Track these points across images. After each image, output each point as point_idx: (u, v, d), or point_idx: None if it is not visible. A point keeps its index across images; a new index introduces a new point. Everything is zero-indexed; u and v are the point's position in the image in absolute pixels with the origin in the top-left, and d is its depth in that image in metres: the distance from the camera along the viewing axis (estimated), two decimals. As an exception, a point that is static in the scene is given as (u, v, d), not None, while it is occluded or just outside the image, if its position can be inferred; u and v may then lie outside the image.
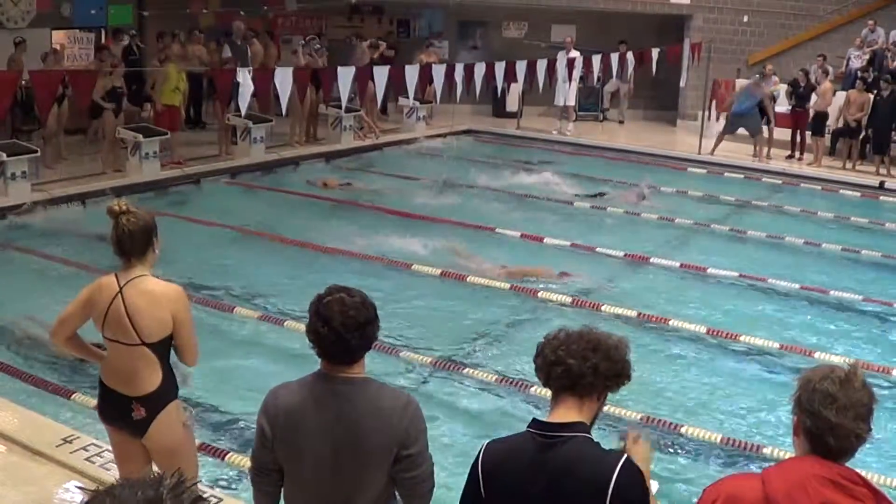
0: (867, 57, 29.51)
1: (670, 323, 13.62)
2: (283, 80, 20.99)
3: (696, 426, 10.65)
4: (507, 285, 14.84)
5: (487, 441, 4.68)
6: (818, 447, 4.13)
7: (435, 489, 5.32)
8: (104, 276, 6.81)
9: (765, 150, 26.87)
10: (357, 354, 5.16)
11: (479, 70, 24.65)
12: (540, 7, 31.02)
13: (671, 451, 10.25)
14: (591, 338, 4.61)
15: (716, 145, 27.02)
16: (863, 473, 4.14)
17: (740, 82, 29.25)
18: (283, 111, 22.11)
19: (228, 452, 9.23)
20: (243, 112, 21.65)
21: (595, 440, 4.53)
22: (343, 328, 5.04)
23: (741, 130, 26.83)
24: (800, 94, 26.93)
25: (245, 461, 8.74)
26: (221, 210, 19.11)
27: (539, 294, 14.60)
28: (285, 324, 12.73)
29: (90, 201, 18.81)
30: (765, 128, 26.97)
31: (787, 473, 4.14)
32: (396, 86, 23.93)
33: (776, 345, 13.05)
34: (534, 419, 4.60)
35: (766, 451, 9.94)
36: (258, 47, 26.54)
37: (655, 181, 23.12)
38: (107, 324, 6.71)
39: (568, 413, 4.54)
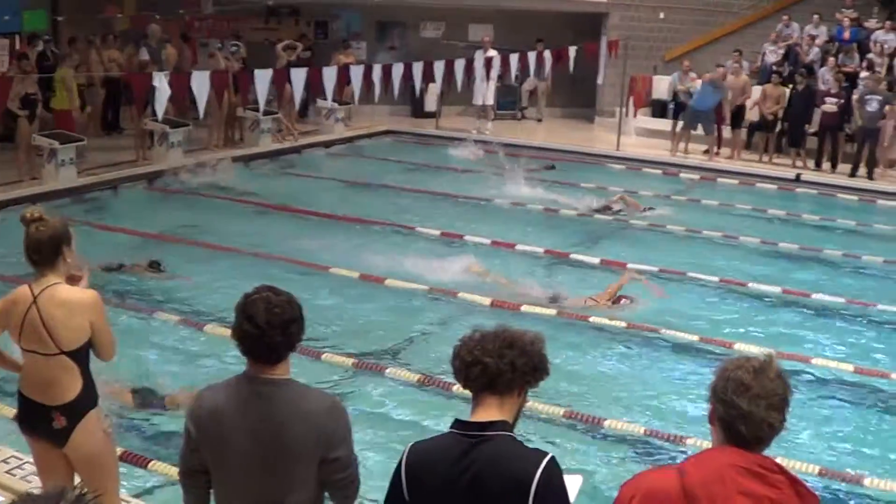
0: (782, 51, 29.82)
1: (590, 319, 13.70)
2: (200, 83, 20.83)
3: (618, 419, 10.72)
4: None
5: (411, 443, 4.68)
6: (732, 436, 4.16)
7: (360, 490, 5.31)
8: (19, 287, 6.72)
9: (713, 147, 27.15)
10: (281, 353, 5.10)
11: (397, 70, 24.60)
12: (457, 7, 31.06)
13: (593, 444, 10.31)
14: (506, 335, 4.63)
15: (675, 145, 27.26)
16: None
17: (658, 79, 29.52)
18: (201, 115, 21.94)
19: (152, 460, 9.13)
20: (160, 117, 21.44)
21: (518, 438, 4.55)
22: (267, 325, 5.00)
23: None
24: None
25: (168, 469, 8.70)
26: (138, 217, 18.94)
27: (458, 295, 14.62)
28: (205, 328, 12.65)
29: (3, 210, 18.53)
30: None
31: (704, 464, 4.17)
32: (314, 87, 23.84)
33: (696, 337, 13.19)
34: (456, 419, 4.60)
35: (690, 441, 10.02)
36: (172, 51, 26.34)
37: (575, 178, 23.26)
38: (23, 334, 6.60)
39: (489, 412, 4.55)
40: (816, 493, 4.19)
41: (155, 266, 15.22)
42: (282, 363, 5.15)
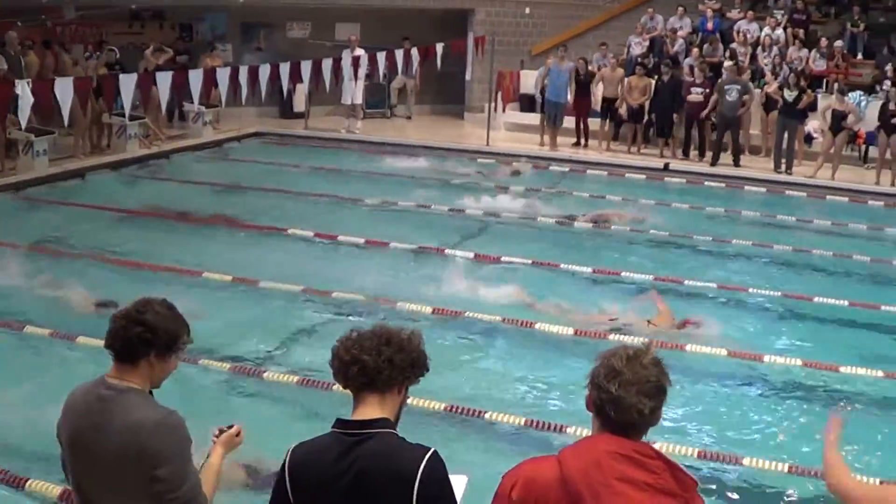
0: (647, 43, 30.23)
1: (466, 314, 13.74)
2: (64, 90, 20.48)
3: (500, 412, 10.76)
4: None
5: (293, 444, 4.66)
6: (605, 422, 4.24)
7: None
8: None
9: (556, 138, 27.38)
10: (135, 353, 4.99)
11: (264, 72, 24.46)
12: (323, 6, 30.91)
13: (477, 439, 10.34)
14: (383, 333, 4.65)
15: (553, 140, 27.42)
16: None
17: (525, 73, 29.72)
18: (66, 122, 21.56)
19: (28, 480, 8.95)
20: (23, 125, 21.06)
21: (400, 435, 4.57)
22: (125, 319, 4.98)
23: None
24: (581, 81, 27.42)
25: (47, 488, 8.59)
26: (5, 228, 18.54)
27: (333, 295, 14.56)
28: (77, 339, 12.42)
29: None
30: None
31: (582, 452, 4.22)
32: (180, 91, 23.58)
33: (571, 331, 13.29)
34: (337, 419, 4.61)
35: (570, 430, 10.08)
36: (33, 58, 25.83)
37: (445, 175, 23.34)
38: None
39: (370, 410, 4.57)
40: (695, 476, 4.25)
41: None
42: (137, 370, 5.02)
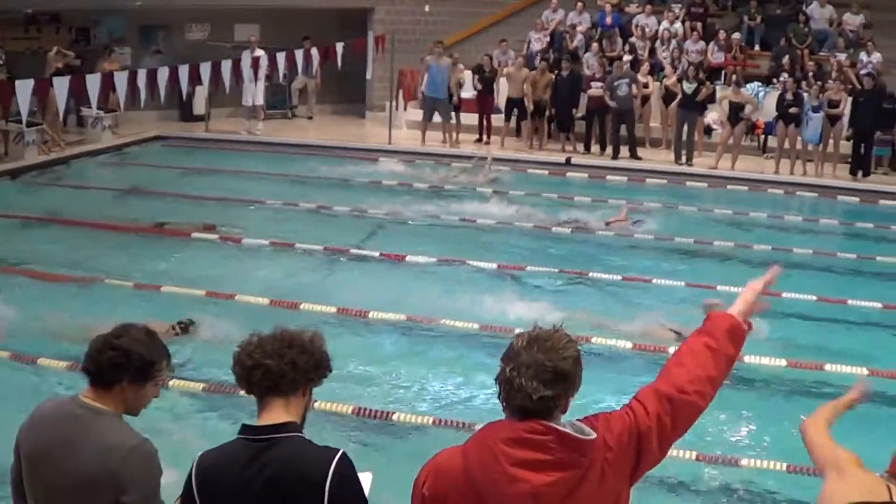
0: (547, 39, 30.35)
1: (370, 315, 13.71)
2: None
3: (408, 412, 10.77)
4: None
5: (200, 453, 4.62)
6: (505, 405, 4.19)
7: None
8: None
9: (454, 134, 27.40)
10: (108, 378, 4.94)
11: (163, 74, 24.19)
12: (221, 7, 30.65)
13: (392, 440, 10.36)
14: (285, 336, 4.64)
15: (422, 134, 27.46)
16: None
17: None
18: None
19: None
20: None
21: (307, 438, 4.56)
22: (101, 343, 4.96)
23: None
24: (485, 78, 27.51)
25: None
26: None
27: (236, 298, 14.46)
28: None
29: None
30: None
31: (480, 442, 4.20)
32: (78, 96, 23.27)
33: (476, 325, 13.36)
34: (244, 425, 4.59)
35: (479, 427, 10.07)
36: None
37: (347, 174, 23.28)
38: None
39: (276, 414, 4.55)
40: (590, 436, 4.14)
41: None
42: (111, 395, 4.97)
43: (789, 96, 25.45)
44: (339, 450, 4.53)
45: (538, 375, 4.08)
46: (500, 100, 27.95)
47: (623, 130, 26.60)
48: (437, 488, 4.24)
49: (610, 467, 4.21)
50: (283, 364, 4.53)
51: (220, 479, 4.50)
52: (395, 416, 10.69)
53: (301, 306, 13.90)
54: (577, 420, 4.23)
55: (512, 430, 4.11)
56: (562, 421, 4.17)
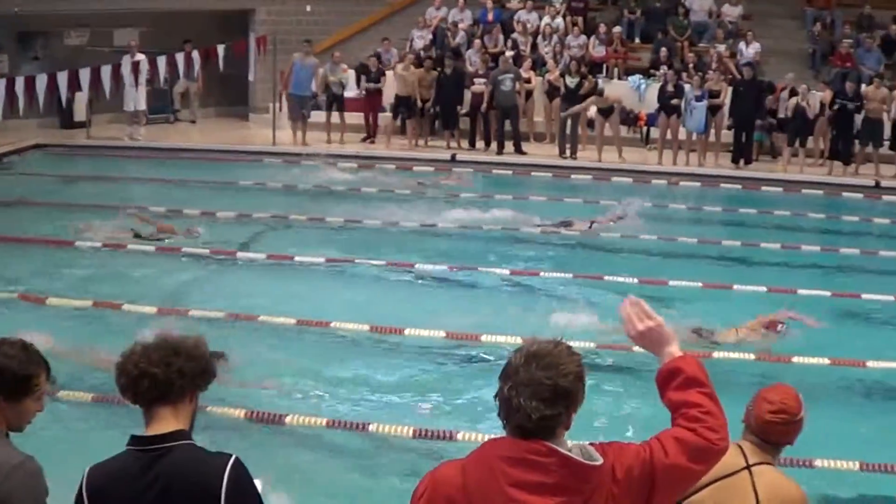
0: (429, 36, 30.39)
1: (259, 318, 13.61)
2: None
3: (303, 414, 10.73)
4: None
5: (88, 467, 4.53)
6: (504, 421, 4.05)
7: None
8: None
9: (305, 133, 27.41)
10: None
11: (42, 81, 23.85)
12: (100, 12, 30.19)
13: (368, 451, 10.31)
14: (169, 343, 4.56)
15: (295, 133, 27.34)
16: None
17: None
18: None
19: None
20: None
21: (198, 445, 4.50)
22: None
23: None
24: (371, 77, 27.49)
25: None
26: None
27: (123, 307, 14.27)
28: None
29: None
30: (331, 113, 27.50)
31: (480, 459, 4.07)
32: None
33: (366, 327, 13.32)
34: (132, 436, 4.50)
35: (460, 436, 10.06)
36: None
37: (232, 177, 23.10)
38: None
39: (165, 423, 4.48)
40: (596, 462, 4.00)
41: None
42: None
43: (670, 88, 25.82)
44: (231, 455, 4.48)
45: (537, 394, 3.94)
46: (385, 99, 27.94)
47: (507, 126, 26.71)
48: (434, 502, 4.12)
49: (614, 500, 4.04)
50: (170, 372, 4.46)
51: (113, 492, 4.42)
52: (287, 419, 10.60)
53: (190, 313, 13.76)
54: (589, 444, 4.09)
55: (514, 450, 3.98)
56: (569, 443, 4.03)
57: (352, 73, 28.37)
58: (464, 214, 20.08)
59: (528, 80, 27.64)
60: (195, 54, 27.69)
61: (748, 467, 5.32)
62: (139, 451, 4.44)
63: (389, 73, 27.99)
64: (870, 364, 12.59)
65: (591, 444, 4.11)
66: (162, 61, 26.76)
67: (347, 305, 14.46)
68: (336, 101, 27.76)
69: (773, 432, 5.39)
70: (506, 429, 4.05)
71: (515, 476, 3.93)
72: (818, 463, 9.52)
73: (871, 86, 25.94)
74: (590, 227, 19.30)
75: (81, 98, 27.63)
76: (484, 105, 26.76)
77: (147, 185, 22.79)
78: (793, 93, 25.79)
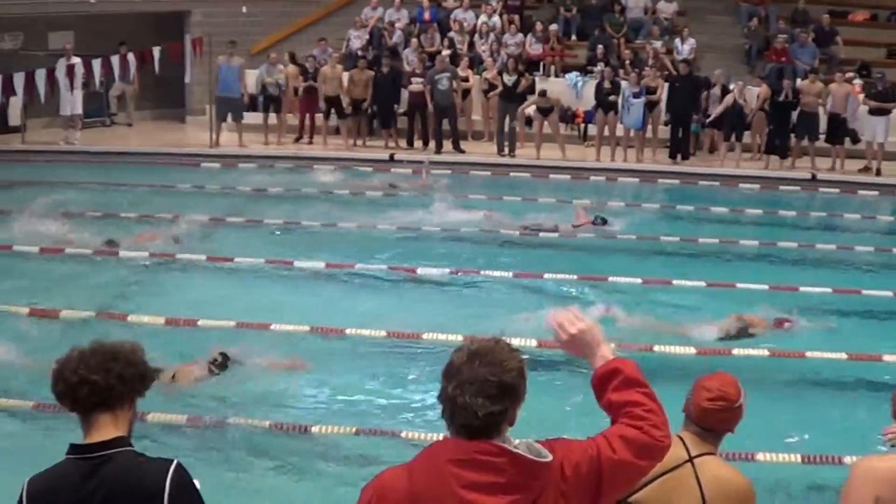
0: (366, 36, 30.36)
1: (199, 323, 13.50)
2: None
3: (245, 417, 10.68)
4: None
5: (28, 477, 4.48)
6: (450, 423, 4.05)
7: None
8: None
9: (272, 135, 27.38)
10: None
11: (-26, 86, 23.60)
12: (34, 15, 29.91)
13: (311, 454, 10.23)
14: (107, 349, 4.53)
15: (217, 136, 27.17)
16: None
17: (246, 73, 29.35)
18: None
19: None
20: None
21: (139, 451, 4.48)
22: None
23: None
24: (308, 77, 27.43)
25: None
26: None
27: (61, 314, 14.12)
28: None
29: None
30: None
31: (427, 462, 4.06)
32: None
33: (305, 327, 13.28)
34: (72, 445, 4.46)
35: (404, 434, 10.02)
36: None
37: (167, 180, 22.93)
38: None
39: (105, 430, 4.45)
40: (545, 459, 4.02)
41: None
42: None
43: (607, 85, 25.98)
44: (173, 459, 4.46)
45: (483, 391, 3.95)
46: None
47: (446, 125, 26.74)
48: None
49: (564, 497, 4.06)
50: (110, 378, 4.43)
51: (55, 502, 4.38)
52: (314, 429, 10.53)
53: (129, 318, 13.64)
54: (536, 441, 4.09)
55: (463, 451, 3.97)
56: (515, 441, 4.04)
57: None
58: (406, 214, 20.07)
59: (466, 79, 27.67)
60: (131, 57, 27.47)
61: (691, 460, 5.34)
62: (79, 459, 4.40)
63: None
64: (808, 354, 12.74)
65: (538, 441, 4.12)
66: (97, 64, 26.54)
67: (288, 306, 14.43)
68: (273, 103, 27.63)
69: (713, 420, 5.42)
70: (450, 429, 4.05)
71: (467, 477, 3.93)
72: (760, 457, 9.59)
73: (807, 80, 26.22)
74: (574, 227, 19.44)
75: (16, 103, 27.34)
76: (430, 105, 26.73)
77: (83, 190, 22.50)
78: (724, 90, 25.99)
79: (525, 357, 4.15)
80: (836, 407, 11.62)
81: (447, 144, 26.72)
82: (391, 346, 13.00)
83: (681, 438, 5.40)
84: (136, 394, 4.59)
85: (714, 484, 5.29)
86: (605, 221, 19.53)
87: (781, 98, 25.67)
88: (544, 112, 26.14)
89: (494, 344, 4.09)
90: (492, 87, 27.23)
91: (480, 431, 3.97)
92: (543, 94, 26.36)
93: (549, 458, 4.04)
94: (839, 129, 25.92)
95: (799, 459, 9.92)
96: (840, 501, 5.11)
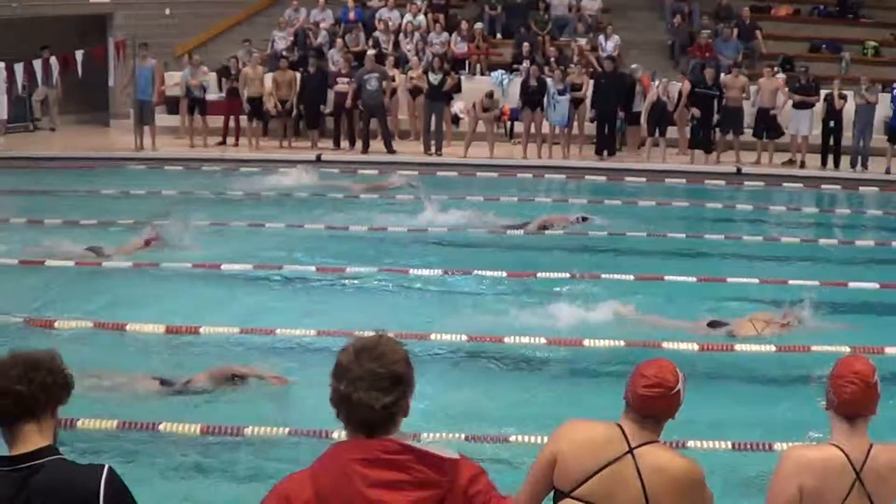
0: (291, 37, 30.27)
1: (127, 328, 13.28)
2: None
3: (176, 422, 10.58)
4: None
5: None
6: (347, 424, 4.06)
7: None
8: None
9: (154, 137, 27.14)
10: None
11: None
12: (-47, 19, 29.65)
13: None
14: (27, 358, 4.44)
15: (141, 139, 26.90)
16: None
17: (170, 75, 29.18)
18: None
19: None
20: None
21: (68, 458, 4.42)
22: None
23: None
24: (231, 80, 27.29)
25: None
26: None
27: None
28: None
29: None
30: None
31: (330, 464, 4.05)
32: None
33: (236, 329, 13.24)
34: (-1, 457, 4.40)
35: (336, 435, 9.93)
36: None
37: (94, 185, 22.71)
38: None
39: (32, 440, 4.38)
40: (452, 456, 4.07)
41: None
42: None
43: (533, 82, 26.06)
44: (104, 465, 4.41)
45: (375, 384, 4.00)
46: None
47: (373, 124, 26.73)
48: None
49: (467, 498, 4.13)
50: (33, 388, 4.35)
51: (-17, 516, 4.33)
52: (161, 427, 10.42)
53: (56, 324, 13.45)
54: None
55: (367, 451, 3.99)
56: (421, 441, 4.09)
57: (213, 76, 28.11)
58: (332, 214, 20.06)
59: (393, 78, 27.66)
60: (53, 61, 27.26)
61: (630, 451, 5.30)
62: (8, 471, 4.33)
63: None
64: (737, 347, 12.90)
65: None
66: (19, 69, 26.30)
67: (216, 308, 14.37)
68: (198, 105, 27.44)
69: (651, 407, 5.38)
70: (347, 429, 4.08)
71: (373, 477, 3.95)
72: (690, 444, 9.65)
73: (730, 75, 26.47)
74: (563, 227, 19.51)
75: (-63, 109, 26.99)
76: (349, 102, 26.66)
77: (7, 196, 22.25)
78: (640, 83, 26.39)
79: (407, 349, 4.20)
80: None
81: (376, 145, 26.64)
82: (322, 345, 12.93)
83: (620, 428, 5.37)
84: (59, 402, 4.52)
85: (655, 474, 5.24)
86: (584, 219, 19.72)
87: (702, 88, 25.89)
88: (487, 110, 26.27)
89: (378, 339, 4.16)
90: (417, 86, 27.22)
91: (379, 425, 4.02)
92: (491, 95, 26.62)
93: (456, 455, 4.11)
94: (769, 124, 26.20)
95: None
96: (768, 488, 5.17)
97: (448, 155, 26.28)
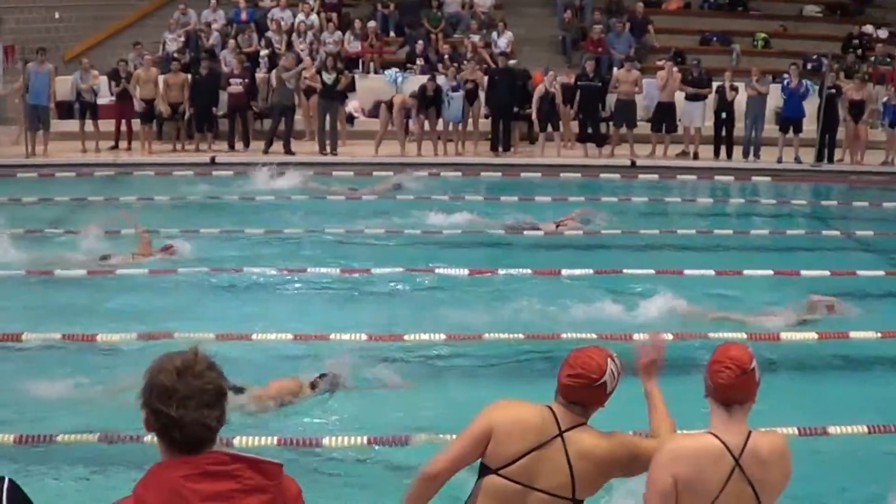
0: (182, 39, 30.01)
1: (98, 339, 13.03)
2: None
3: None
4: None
5: None
6: (172, 443, 3.97)
7: None
8: None
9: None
10: None
11: None
12: None
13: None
14: None
15: (29, 145, 26.38)
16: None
17: (61, 79, 28.71)
18: None
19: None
20: None
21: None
22: None
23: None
24: (121, 83, 26.93)
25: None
26: None
27: None
28: None
29: None
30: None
31: (158, 487, 3.94)
32: None
33: (212, 335, 12.89)
34: None
35: (236, 441, 9.77)
36: None
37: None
38: None
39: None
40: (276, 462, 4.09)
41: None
42: None
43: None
44: (4, 477, 4.31)
45: (204, 402, 3.96)
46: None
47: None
48: None
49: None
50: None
51: None
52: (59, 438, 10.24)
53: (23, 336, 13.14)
54: None
55: (194, 466, 3.92)
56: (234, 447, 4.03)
57: (104, 80, 27.72)
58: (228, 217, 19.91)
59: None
60: (-61, 66, 26.74)
61: (560, 434, 5.39)
62: None
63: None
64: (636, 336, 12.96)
65: None
66: None
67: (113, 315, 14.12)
68: (89, 109, 27.04)
69: (574, 395, 5.46)
70: (171, 450, 3.99)
71: (206, 490, 3.90)
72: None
73: (623, 69, 26.72)
74: (556, 227, 19.50)
75: None
76: (261, 104, 26.49)
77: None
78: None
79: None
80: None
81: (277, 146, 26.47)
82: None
83: (552, 411, 5.45)
84: None
85: (582, 458, 5.37)
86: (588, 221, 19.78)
87: (585, 81, 26.17)
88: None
89: (194, 356, 4.07)
90: (310, 87, 27.08)
91: (208, 441, 3.99)
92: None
93: (279, 462, 4.13)
94: (668, 117, 26.53)
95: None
96: (645, 482, 5.27)
97: (343, 154, 26.18)
